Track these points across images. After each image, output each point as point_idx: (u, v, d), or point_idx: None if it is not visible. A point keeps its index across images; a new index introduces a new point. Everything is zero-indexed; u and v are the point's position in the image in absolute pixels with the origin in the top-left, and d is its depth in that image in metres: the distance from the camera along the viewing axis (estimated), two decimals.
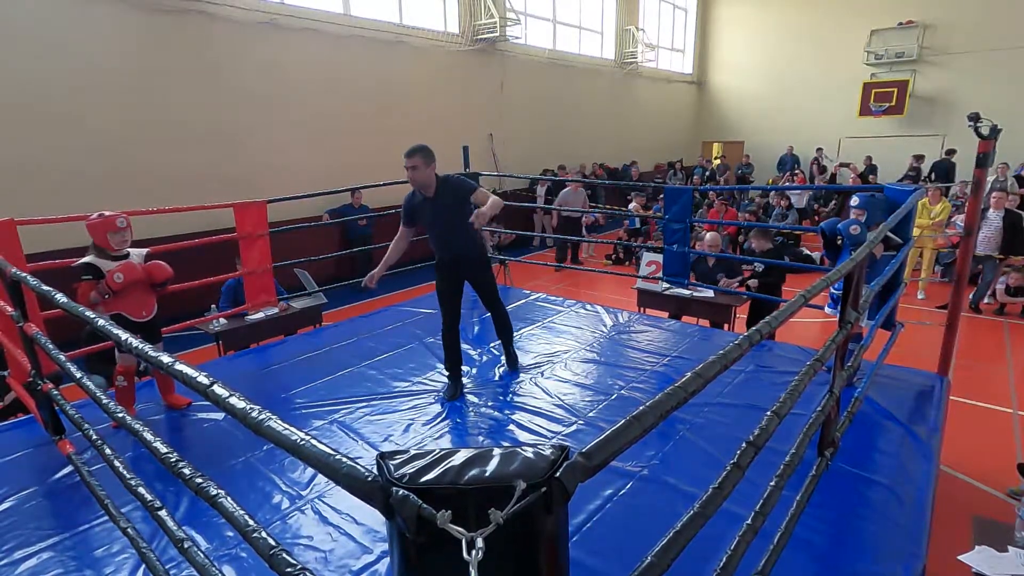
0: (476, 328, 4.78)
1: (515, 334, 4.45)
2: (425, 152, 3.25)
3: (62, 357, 2.24)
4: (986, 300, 7.35)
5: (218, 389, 1.22)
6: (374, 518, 2.38)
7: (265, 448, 2.91)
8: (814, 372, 1.75)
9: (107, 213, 3.09)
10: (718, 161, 16.07)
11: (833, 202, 12.19)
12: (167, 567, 1.74)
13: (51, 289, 2.05)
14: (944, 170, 12.87)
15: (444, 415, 3.34)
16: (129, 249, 3.18)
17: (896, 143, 15.21)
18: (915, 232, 4.47)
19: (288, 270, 5.33)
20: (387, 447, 3.02)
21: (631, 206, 11.13)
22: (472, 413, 3.35)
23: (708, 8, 18.61)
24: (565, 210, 9.68)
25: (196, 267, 4.69)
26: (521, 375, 3.84)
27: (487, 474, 0.92)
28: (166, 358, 1.40)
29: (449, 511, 0.80)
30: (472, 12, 10.74)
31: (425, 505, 0.83)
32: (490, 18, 10.64)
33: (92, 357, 4.11)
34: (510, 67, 11.78)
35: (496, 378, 3.83)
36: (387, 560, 2.16)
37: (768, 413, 1.52)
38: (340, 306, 7.34)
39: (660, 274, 5.55)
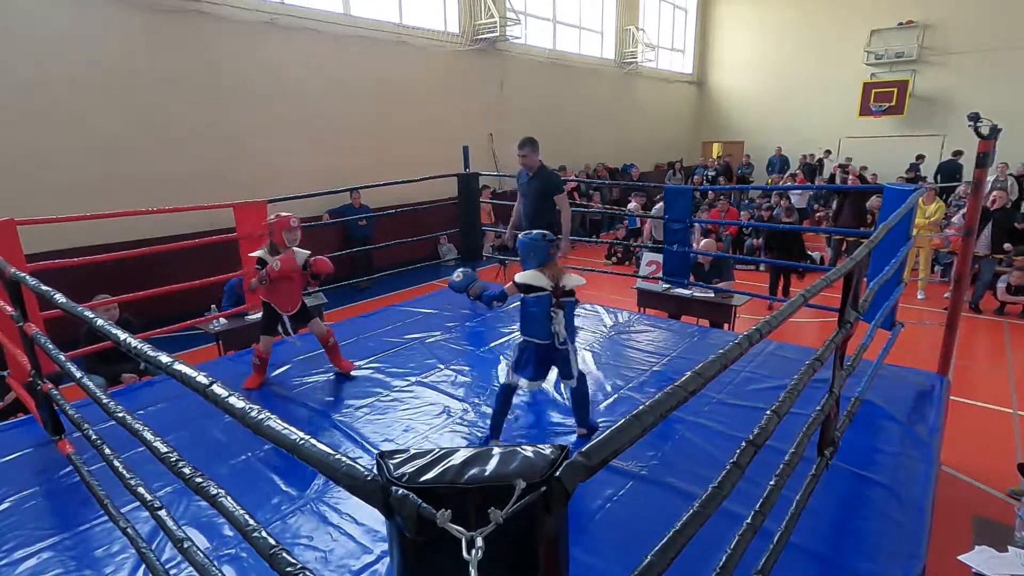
0: (474, 329, 4.78)
1: (516, 334, 4.43)
2: (533, 144, 4.40)
3: (62, 357, 2.24)
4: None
5: (217, 389, 1.22)
6: (374, 518, 2.38)
7: (265, 448, 2.90)
8: (813, 372, 1.75)
9: (283, 215, 3.56)
10: (720, 162, 16.07)
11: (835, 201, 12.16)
12: (167, 567, 1.74)
13: (50, 289, 2.05)
14: (951, 171, 12.85)
15: (444, 415, 3.34)
16: (296, 248, 3.62)
17: (896, 143, 15.22)
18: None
19: None
20: (387, 447, 3.02)
21: (630, 206, 11.14)
22: (472, 413, 3.35)
23: (708, 8, 18.61)
24: (655, 217, 6.99)
25: (196, 267, 4.69)
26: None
27: (487, 473, 0.93)
28: (165, 358, 1.40)
29: (449, 510, 0.80)
30: (472, 12, 10.74)
31: (425, 504, 0.83)
32: (490, 18, 10.64)
33: (92, 357, 4.11)
34: (510, 67, 11.78)
35: (495, 379, 3.82)
36: (387, 560, 2.16)
37: (768, 412, 1.52)
38: (340, 306, 7.34)
39: (660, 274, 5.56)
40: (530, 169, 4.44)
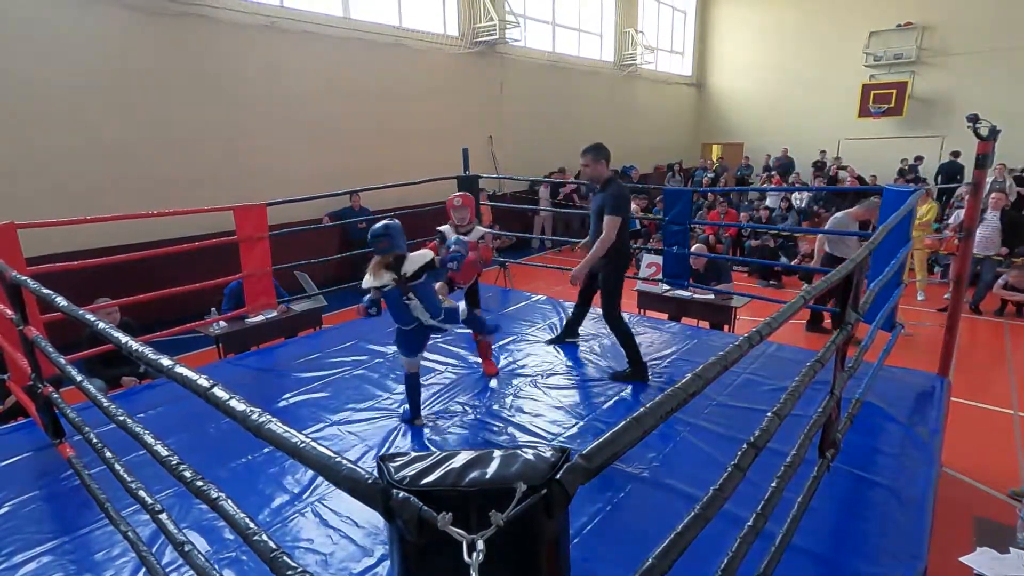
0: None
1: (516, 335, 4.45)
2: (597, 151, 3.64)
3: (62, 360, 2.24)
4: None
5: (218, 392, 1.22)
6: (375, 521, 2.38)
7: (265, 451, 2.90)
8: (814, 373, 1.75)
9: (453, 196, 3.78)
10: (718, 163, 16.09)
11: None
12: (167, 570, 1.74)
13: (51, 292, 2.05)
14: (951, 172, 12.85)
15: (444, 418, 3.33)
16: (476, 226, 3.83)
17: (895, 144, 15.23)
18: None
19: (288, 273, 5.32)
20: (387, 449, 3.02)
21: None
22: (472, 415, 3.35)
23: (707, 10, 18.64)
24: (837, 232, 5.98)
25: (197, 269, 4.69)
26: (521, 377, 3.84)
27: (488, 476, 0.93)
28: (166, 360, 1.40)
29: (450, 513, 0.80)
30: (471, 15, 10.75)
31: (425, 507, 0.83)
32: (489, 20, 10.65)
33: (92, 360, 4.11)
34: (509, 69, 11.80)
35: (496, 381, 3.82)
36: (388, 563, 2.15)
37: (769, 414, 1.52)
38: (340, 308, 7.33)
39: (660, 276, 5.56)
40: (595, 181, 3.68)
